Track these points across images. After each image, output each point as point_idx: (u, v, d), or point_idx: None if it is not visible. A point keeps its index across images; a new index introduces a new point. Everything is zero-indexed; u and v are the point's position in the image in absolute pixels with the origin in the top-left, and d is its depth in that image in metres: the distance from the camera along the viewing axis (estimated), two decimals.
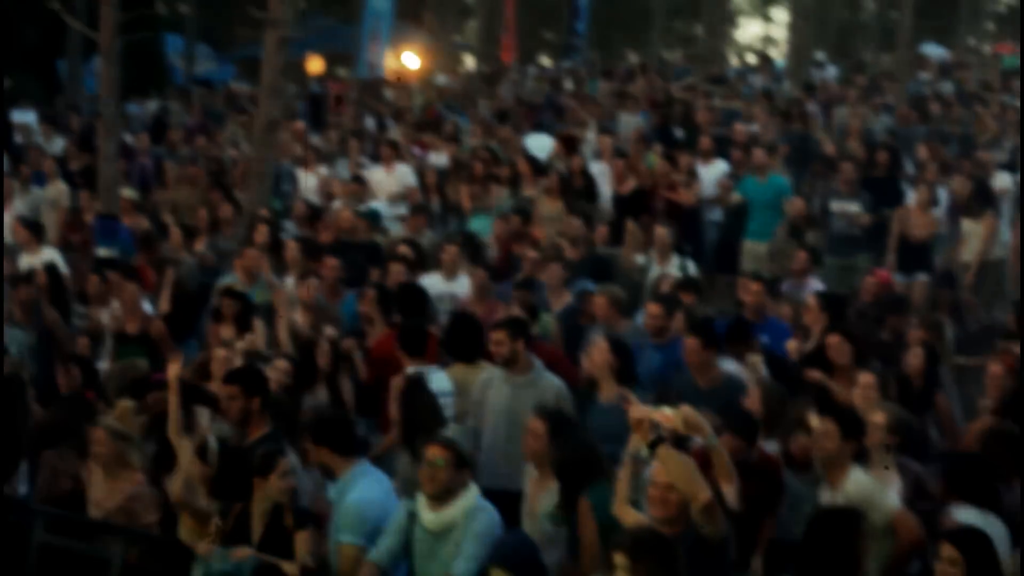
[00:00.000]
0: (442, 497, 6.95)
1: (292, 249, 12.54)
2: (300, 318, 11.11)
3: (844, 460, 7.47)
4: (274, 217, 14.34)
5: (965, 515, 7.07)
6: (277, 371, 9.24)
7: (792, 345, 10.39)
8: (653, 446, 6.32)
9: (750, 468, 7.53)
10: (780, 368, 9.84)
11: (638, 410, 6.40)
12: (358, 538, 7.19)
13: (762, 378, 9.34)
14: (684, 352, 9.30)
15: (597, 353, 9.03)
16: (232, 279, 12.07)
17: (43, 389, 10.17)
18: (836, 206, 14.80)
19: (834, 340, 9.51)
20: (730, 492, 6.75)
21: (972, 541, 6.25)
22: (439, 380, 9.17)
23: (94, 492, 8.33)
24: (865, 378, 8.66)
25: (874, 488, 7.43)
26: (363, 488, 7.35)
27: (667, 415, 6.44)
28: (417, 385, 8.80)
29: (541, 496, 7.69)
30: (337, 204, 15.33)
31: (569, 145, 17.77)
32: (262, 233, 12.88)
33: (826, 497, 7.48)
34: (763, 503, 7.62)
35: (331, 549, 7.37)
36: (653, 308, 10.41)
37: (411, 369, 9.27)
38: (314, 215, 14.47)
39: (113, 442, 8.23)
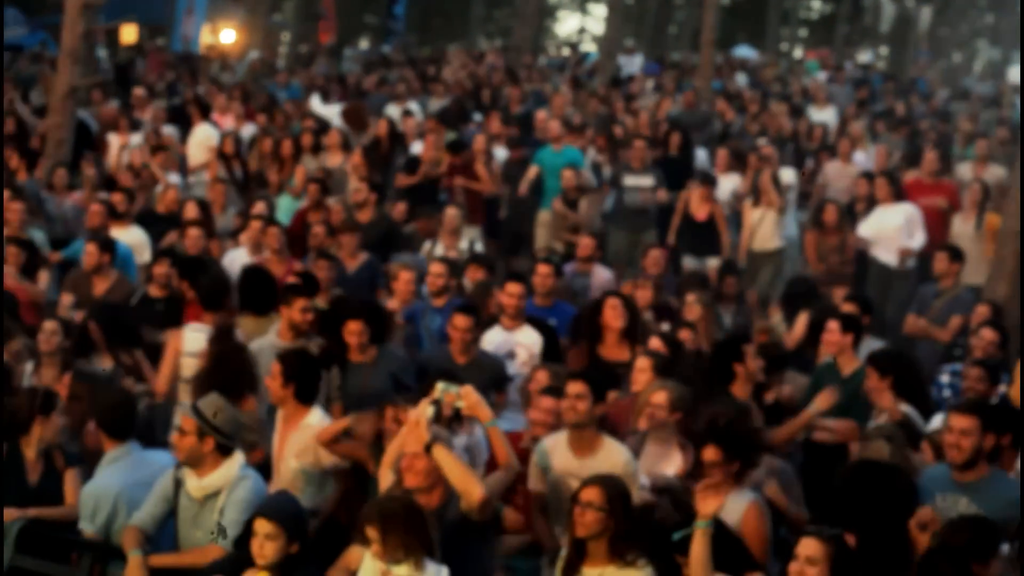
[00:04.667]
0: (196, 464, 6.97)
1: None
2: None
3: (593, 425, 7.42)
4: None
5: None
6: (46, 332, 9.21)
7: None
8: (428, 448, 6.43)
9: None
10: (554, 343, 10.07)
11: (414, 413, 6.55)
12: (88, 524, 7.17)
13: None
14: (450, 328, 9.39)
15: (350, 331, 9.12)
16: None
17: None
18: (629, 180, 15.18)
19: (611, 302, 9.67)
20: (501, 477, 6.84)
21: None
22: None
23: None
24: (641, 362, 8.53)
25: (632, 465, 7.31)
26: (105, 475, 7.34)
27: (451, 393, 6.68)
28: None
29: (292, 434, 7.93)
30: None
31: (355, 119, 17.88)
32: None
33: (574, 466, 7.34)
34: None
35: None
36: (436, 267, 10.74)
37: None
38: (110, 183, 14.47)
39: None
